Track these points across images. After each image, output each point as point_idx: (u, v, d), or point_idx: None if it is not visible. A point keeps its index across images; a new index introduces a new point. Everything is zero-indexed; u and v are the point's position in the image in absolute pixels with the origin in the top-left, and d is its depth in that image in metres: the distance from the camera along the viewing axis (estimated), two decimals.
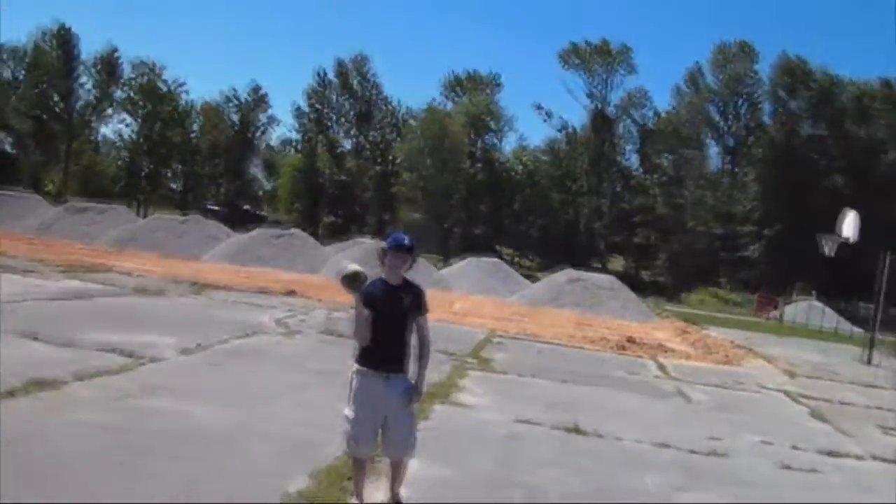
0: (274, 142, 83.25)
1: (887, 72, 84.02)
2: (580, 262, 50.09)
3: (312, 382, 8.24)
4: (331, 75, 75.34)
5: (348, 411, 4.47)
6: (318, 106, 75.45)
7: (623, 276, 46.17)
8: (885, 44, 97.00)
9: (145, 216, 43.29)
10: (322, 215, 72.16)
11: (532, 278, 32.78)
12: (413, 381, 4.51)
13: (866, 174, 56.42)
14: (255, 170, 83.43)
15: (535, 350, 13.45)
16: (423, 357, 4.55)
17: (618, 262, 70.83)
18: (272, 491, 4.62)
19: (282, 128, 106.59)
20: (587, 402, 9.17)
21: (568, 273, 26.83)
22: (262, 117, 77.48)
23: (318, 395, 7.59)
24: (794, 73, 62.58)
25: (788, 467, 7.13)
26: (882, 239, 25.97)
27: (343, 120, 76.74)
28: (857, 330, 27.92)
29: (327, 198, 72.06)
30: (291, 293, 17.71)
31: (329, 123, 76.21)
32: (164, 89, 72.63)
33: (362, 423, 4.42)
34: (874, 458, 8.03)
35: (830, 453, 7.96)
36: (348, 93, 75.80)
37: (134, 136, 73.45)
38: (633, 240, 66.90)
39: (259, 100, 76.23)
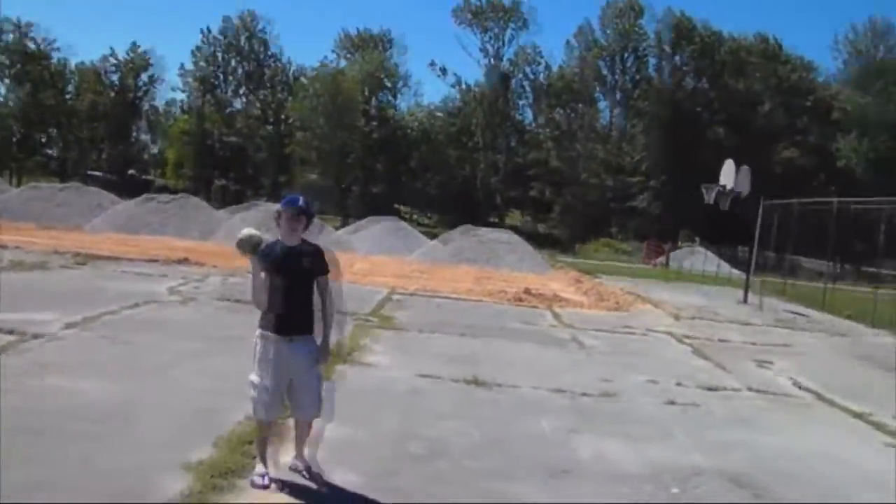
0: (160, 104, 79.51)
1: (762, 26, 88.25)
2: (478, 218, 50.81)
3: (211, 350, 8.11)
4: (218, 33, 72.43)
5: (254, 377, 4.47)
6: (204, 65, 72.38)
7: (520, 230, 47.22)
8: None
9: (19, 185, 40.65)
10: (214, 179, 69.83)
11: (431, 235, 33.01)
12: (318, 343, 4.56)
13: (745, 125, 59.49)
14: (141, 133, 79.62)
15: (436, 306, 13.67)
16: (327, 318, 4.61)
17: (515, 217, 72.21)
18: (172, 461, 4.58)
19: (168, 89, 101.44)
20: (486, 353, 9.44)
21: (466, 229, 27.20)
22: (145, 77, 73.73)
23: (217, 362, 7.49)
24: (678, 29, 64.80)
25: (673, 403, 7.63)
26: (758, 187, 27.62)
27: (232, 79, 74.03)
28: (736, 272, 29.72)
29: (219, 160, 69.68)
30: (185, 261, 17.20)
31: (217, 83, 73.33)
32: (34, 48, 67.82)
33: (268, 387, 4.43)
34: (749, 389, 8.68)
35: (710, 388, 8.56)
36: (236, 51, 73.08)
37: (2, 100, 68.54)
38: (529, 194, 68.24)
39: (140, 59, 72.34)
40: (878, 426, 7.49)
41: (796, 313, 18.34)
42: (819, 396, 8.72)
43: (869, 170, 56.57)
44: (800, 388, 9.14)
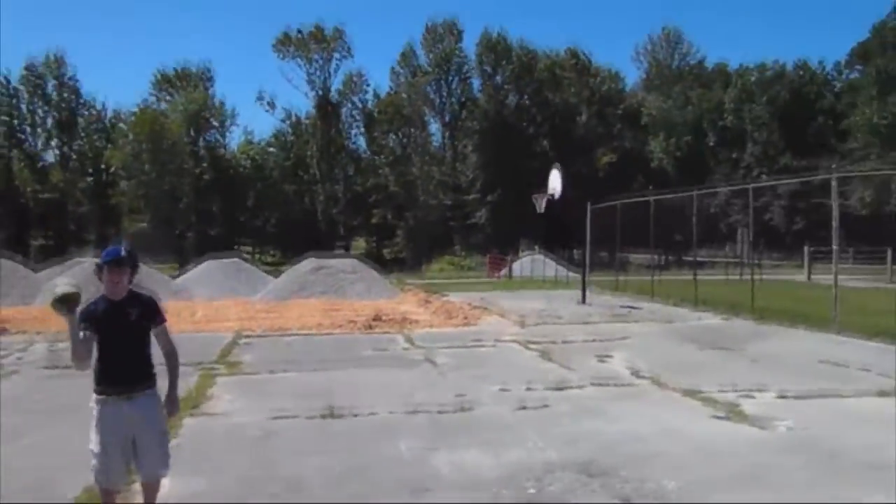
0: None
1: (571, 42, 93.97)
2: (323, 250, 50.29)
3: (40, 423, 7.48)
4: (18, 83, 67.20)
5: (93, 445, 4.22)
6: (7, 118, 66.85)
7: (366, 257, 47.17)
8: (571, 14, 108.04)
9: None
10: (30, 238, 64.51)
11: (276, 273, 32.24)
12: (160, 396, 4.39)
13: (566, 135, 63.10)
14: None
15: (285, 344, 13.38)
16: (171, 368, 4.46)
17: (360, 245, 72.15)
18: None
19: None
20: (340, 385, 9.36)
21: (310, 262, 26.76)
22: None
23: (49, 435, 6.94)
24: (496, 49, 67.76)
25: (524, 407, 7.93)
26: (583, 191, 29.37)
27: (41, 131, 68.96)
28: (573, 275, 31.32)
29: (34, 219, 64.53)
30: (3, 330, 15.76)
31: (24, 136, 68.07)
32: None
33: (110, 453, 4.20)
34: (592, 384, 9.19)
35: (557, 387, 8.97)
36: (43, 99, 68.23)
37: None
38: (371, 220, 68.45)
39: None
40: (706, 400, 8.18)
41: (630, 306, 19.60)
42: (654, 380, 9.38)
43: (677, 167, 61.76)
44: (637, 375, 9.79)
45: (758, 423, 7.16)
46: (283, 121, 72.57)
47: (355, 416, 7.63)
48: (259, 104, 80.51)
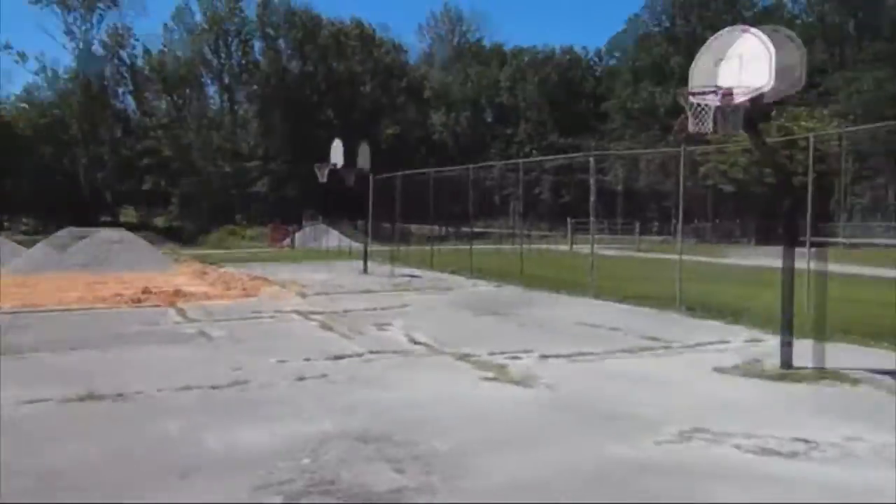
0: None
1: (358, 12, 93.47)
2: (89, 218, 46.14)
3: None
4: None
5: None
6: None
7: (137, 227, 44.09)
8: None
9: None
10: None
11: (30, 243, 29.09)
12: None
13: (351, 105, 62.91)
14: None
15: (38, 322, 12.15)
16: None
17: (130, 213, 67.11)
18: None
19: None
20: (102, 365, 8.70)
21: (70, 231, 24.47)
22: None
23: None
24: (278, 12, 65.60)
25: (302, 378, 7.89)
26: (370, 163, 29.48)
27: None
28: (356, 245, 31.46)
29: None
30: None
31: None
32: None
33: None
34: (371, 352, 9.35)
35: (337, 357, 9.02)
36: None
37: None
38: (143, 187, 63.87)
39: None
40: (477, 363, 8.65)
41: (410, 276, 20.16)
42: (430, 347, 9.74)
43: (457, 141, 64.20)
44: (414, 342, 10.10)
45: (522, 383, 7.70)
46: (36, 74, 65.16)
47: (120, 396, 7.14)
48: (7, 54, 71.46)
